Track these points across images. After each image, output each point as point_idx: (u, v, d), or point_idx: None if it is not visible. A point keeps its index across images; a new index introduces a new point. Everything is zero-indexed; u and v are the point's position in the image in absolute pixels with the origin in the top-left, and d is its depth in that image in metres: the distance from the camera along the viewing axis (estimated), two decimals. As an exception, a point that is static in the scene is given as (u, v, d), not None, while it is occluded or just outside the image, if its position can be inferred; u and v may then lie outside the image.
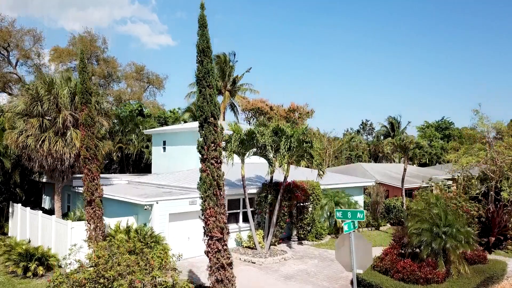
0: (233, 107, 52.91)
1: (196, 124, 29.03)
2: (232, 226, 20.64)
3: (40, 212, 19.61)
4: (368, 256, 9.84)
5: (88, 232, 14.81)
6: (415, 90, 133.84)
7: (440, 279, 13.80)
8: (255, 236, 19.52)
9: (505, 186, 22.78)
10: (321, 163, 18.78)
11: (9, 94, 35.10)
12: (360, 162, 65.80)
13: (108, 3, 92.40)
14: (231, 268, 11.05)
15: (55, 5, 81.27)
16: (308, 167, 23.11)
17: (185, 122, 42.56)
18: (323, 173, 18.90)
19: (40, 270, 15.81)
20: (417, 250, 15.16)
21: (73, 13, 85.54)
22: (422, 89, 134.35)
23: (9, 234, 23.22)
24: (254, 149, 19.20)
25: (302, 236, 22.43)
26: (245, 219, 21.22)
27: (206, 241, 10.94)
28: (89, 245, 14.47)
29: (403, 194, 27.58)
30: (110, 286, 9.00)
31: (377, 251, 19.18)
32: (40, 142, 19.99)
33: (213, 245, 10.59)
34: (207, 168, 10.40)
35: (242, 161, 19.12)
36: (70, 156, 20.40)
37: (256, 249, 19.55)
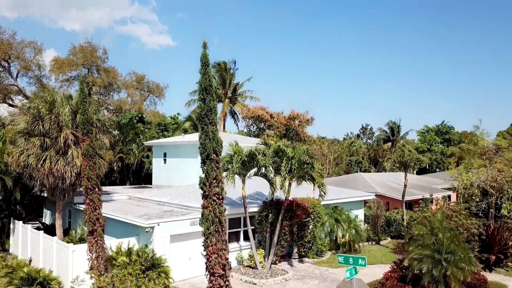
0: (233, 114, 52.99)
1: (196, 137, 29.02)
2: (233, 245, 20.67)
3: (42, 232, 19.64)
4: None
5: (90, 262, 14.85)
6: (415, 92, 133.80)
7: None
8: (256, 255, 19.55)
9: (505, 203, 22.83)
10: (322, 184, 18.80)
11: (10, 105, 35.14)
12: (360, 168, 65.82)
13: (108, 3, 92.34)
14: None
15: (55, 5, 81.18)
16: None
17: (186, 131, 42.56)
18: (325, 194, 18.96)
19: (42, 294, 15.84)
20: (418, 272, 15.17)
21: (73, 14, 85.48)
22: (423, 92, 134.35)
23: (10, 251, 23.26)
24: (255, 169, 19.23)
25: (303, 253, 22.46)
26: (246, 237, 21.25)
27: (208, 277, 10.98)
28: (91, 276, 14.51)
29: (404, 208, 27.59)
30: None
31: (378, 271, 19.27)
32: (42, 161, 20.01)
33: (215, 281, 10.64)
34: (209, 204, 10.44)
35: (243, 181, 19.16)
36: (71, 175, 20.42)
37: (257, 268, 19.58)
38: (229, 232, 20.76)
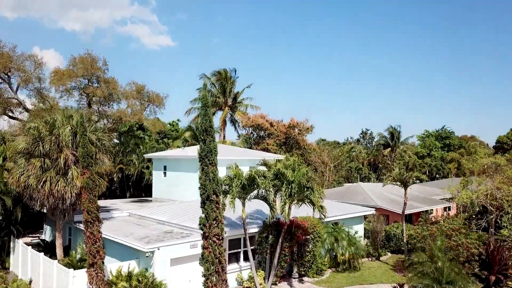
0: (233, 122, 53.02)
1: (196, 151, 29.05)
2: (232, 266, 20.68)
3: (42, 254, 19.66)
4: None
5: (90, 293, 14.87)
6: (415, 96, 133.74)
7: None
8: (256, 277, 19.55)
9: (505, 222, 22.84)
10: (322, 207, 18.82)
11: (10, 117, 35.15)
12: (360, 174, 65.85)
13: (108, 4, 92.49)
14: None
15: (55, 6, 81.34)
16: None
17: (186, 141, 42.61)
18: (325, 216, 18.98)
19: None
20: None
21: (73, 14, 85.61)
22: (423, 95, 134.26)
23: (11, 269, 23.27)
24: (255, 192, 19.24)
25: (303, 272, 22.47)
26: (246, 258, 21.26)
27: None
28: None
29: (403, 223, 27.58)
30: None
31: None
32: (42, 182, 20.03)
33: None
34: (209, 245, 10.47)
35: (243, 204, 19.16)
36: (71, 195, 20.43)
37: (257, 290, 19.58)
38: (229, 253, 20.77)
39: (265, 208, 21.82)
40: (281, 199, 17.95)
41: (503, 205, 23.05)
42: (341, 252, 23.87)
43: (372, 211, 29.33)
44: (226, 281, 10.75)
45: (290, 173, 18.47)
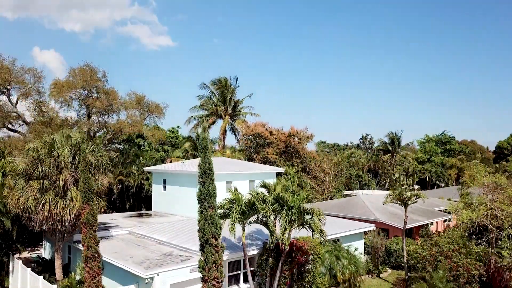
0: (234, 130, 52.94)
1: (195, 166, 29.01)
2: (232, 288, 20.65)
3: (41, 278, 19.58)
4: None
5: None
6: (416, 101, 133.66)
7: None
8: (255, 300, 19.50)
9: (505, 243, 22.74)
10: (322, 231, 18.76)
11: (10, 129, 35.08)
12: (360, 181, 65.71)
13: (108, 4, 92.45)
14: None
15: (55, 6, 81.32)
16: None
17: (186, 151, 42.54)
18: (325, 240, 18.93)
19: None
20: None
21: (73, 14, 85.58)
22: (423, 99, 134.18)
23: (9, 289, 23.22)
24: (255, 217, 19.17)
25: (303, 293, 22.37)
26: (246, 280, 21.17)
27: None
28: None
29: (404, 240, 27.49)
30: None
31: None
32: (41, 205, 19.98)
33: None
34: (209, 289, 10.38)
35: (243, 228, 19.08)
36: (70, 217, 20.34)
37: (257, 313, 19.52)
38: (228, 275, 20.70)
39: (265, 228, 21.75)
40: (281, 225, 17.88)
41: (503, 225, 22.94)
42: (341, 271, 23.77)
43: (372, 227, 29.26)
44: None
45: (290, 198, 18.39)
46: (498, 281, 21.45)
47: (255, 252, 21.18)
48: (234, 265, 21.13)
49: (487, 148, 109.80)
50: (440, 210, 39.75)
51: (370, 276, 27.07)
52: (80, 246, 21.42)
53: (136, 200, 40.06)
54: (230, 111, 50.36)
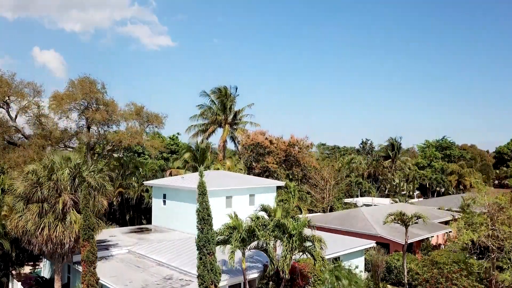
0: (234, 139, 52.83)
1: (194, 185, 28.87)
2: (232, 312, 20.53)
3: (40, 303, 19.51)
4: None
5: None
6: (415, 100, 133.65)
7: None
8: (256, 325, 19.42)
9: (506, 264, 22.66)
10: (322, 258, 18.70)
11: (9, 142, 34.97)
12: (360, 188, 65.64)
13: (108, 4, 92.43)
14: None
15: (55, 6, 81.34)
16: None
17: (186, 162, 42.44)
18: (326, 268, 18.85)
19: None
20: None
21: (73, 14, 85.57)
22: (423, 104, 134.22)
23: (9, 310, 23.17)
24: (255, 243, 19.08)
25: (303, 315, 22.30)
26: (246, 302, 21.09)
27: None
28: None
29: (404, 257, 27.43)
30: None
31: None
32: (40, 229, 19.91)
33: None
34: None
35: (243, 254, 18.98)
36: (70, 240, 20.27)
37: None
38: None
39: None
40: (282, 253, 17.80)
41: (504, 247, 22.85)
42: (341, 292, 23.71)
43: (372, 244, 29.17)
44: None
45: (292, 225, 18.30)
46: (499, 304, 21.36)
47: (256, 275, 21.08)
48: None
49: (487, 151, 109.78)
50: (441, 222, 39.70)
51: (370, 294, 26.97)
52: (80, 268, 21.38)
53: (136, 211, 39.98)
54: (230, 120, 50.23)
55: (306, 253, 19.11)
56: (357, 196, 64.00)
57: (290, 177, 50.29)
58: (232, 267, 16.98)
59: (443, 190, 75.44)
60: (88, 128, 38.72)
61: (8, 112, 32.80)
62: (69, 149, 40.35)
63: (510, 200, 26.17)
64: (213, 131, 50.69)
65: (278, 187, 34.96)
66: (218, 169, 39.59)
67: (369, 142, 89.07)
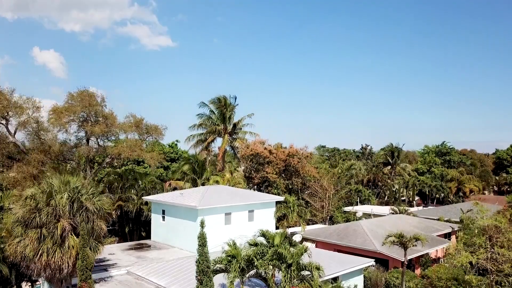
0: (233, 148, 52.84)
1: (193, 203, 28.93)
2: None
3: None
4: None
5: None
6: (416, 100, 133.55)
7: None
8: None
9: (505, 287, 22.68)
10: (320, 286, 18.70)
11: (9, 157, 34.97)
12: (359, 196, 65.58)
13: (108, 5, 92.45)
14: None
15: (55, 7, 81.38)
16: None
17: (185, 174, 42.43)
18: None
19: None
20: None
21: (73, 15, 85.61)
22: (423, 100, 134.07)
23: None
24: (254, 271, 19.08)
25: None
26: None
27: None
28: None
29: (403, 275, 27.47)
30: None
31: None
32: (38, 255, 19.92)
33: None
34: None
35: (242, 282, 18.98)
36: (68, 265, 20.27)
37: None
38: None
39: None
40: (281, 284, 17.81)
41: (503, 269, 22.88)
42: (340, 314, 23.76)
43: (371, 262, 29.13)
44: None
45: (289, 255, 18.29)
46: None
47: (254, 301, 21.09)
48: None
49: (487, 155, 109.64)
50: (440, 235, 39.69)
51: (369, 313, 27.01)
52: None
53: (135, 224, 39.97)
54: (229, 130, 50.23)
55: (304, 282, 19.09)
56: (357, 204, 63.98)
57: (290, 187, 50.30)
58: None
59: (442, 195, 75.39)
60: (87, 140, 38.72)
61: (7, 127, 32.81)
62: (68, 161, 40.39)
63: (509, 220, 26.22)
64: (213, 141, 50.71)
65: (278, 202, 34.95)
66: (217, 181, 39.56)
67: (369, 147, 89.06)
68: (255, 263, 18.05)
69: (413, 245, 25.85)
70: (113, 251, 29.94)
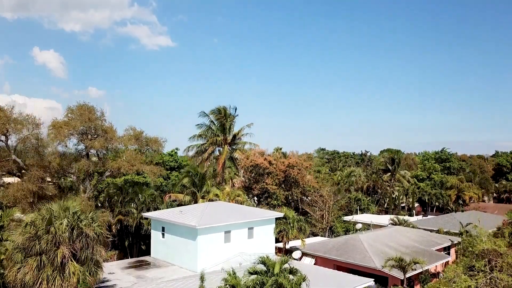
0: (233, 159, 52.82)
1: (193, 222, 28.97)
2: None
3: None
4: None
5: None
6: (416, 101, 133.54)
7: None
8: None
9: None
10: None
11: (9, 173, 34.99)
12: (359, 205, 65.52)
13: (108, 5, 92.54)
14: None
15: (56, 7, 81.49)
16: None
17: (185, 187, 42.44)
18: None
19: None
20: None
21: (73, 15, 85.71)
22: (423, 100, 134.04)
23: None
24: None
25: None
26: None
27: None
28: None
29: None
30: None
31: None
32: (38, 283, 19.98)
33: None
34: None
35: (242, 310, 19.02)
36: (68, 293, 20.36)
37: None
38: None
39: None
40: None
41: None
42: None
43: (370, 282, 29.10)
44: None
45: (289, 285, 18.32)
46: None
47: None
48: None
49: (486, 159, 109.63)
50: (439, 249, 39.70)
51: (368, 334, 27.04)
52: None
53: (135, 237, 39.95)
54: (229, 141, 50.23)
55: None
56: (356, 212, 63.96)
57: (289, 198, 50.36)
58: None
59: (442, 203, 75.39)
60: (87, 155, 38.73)
61: (6, 144, 32.82)
62: (68, 175, 40.41)
63: (509, 243, 26.20)
64: (212, 152, 50.68)
65: (277, 218, 34.99)
66: (217, 195, 39.60)
67: (368, 153, 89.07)
68: (255, 294, 18.07)
69: (412, 269, 25.85)
70: (113, 269, 29.95)
